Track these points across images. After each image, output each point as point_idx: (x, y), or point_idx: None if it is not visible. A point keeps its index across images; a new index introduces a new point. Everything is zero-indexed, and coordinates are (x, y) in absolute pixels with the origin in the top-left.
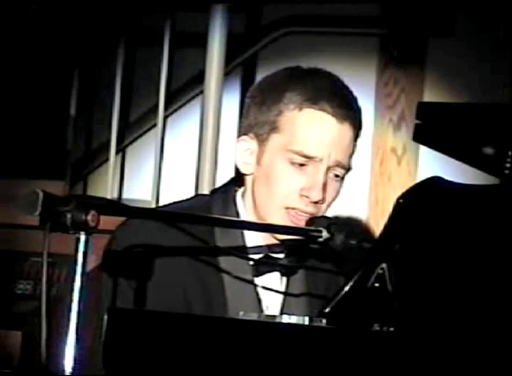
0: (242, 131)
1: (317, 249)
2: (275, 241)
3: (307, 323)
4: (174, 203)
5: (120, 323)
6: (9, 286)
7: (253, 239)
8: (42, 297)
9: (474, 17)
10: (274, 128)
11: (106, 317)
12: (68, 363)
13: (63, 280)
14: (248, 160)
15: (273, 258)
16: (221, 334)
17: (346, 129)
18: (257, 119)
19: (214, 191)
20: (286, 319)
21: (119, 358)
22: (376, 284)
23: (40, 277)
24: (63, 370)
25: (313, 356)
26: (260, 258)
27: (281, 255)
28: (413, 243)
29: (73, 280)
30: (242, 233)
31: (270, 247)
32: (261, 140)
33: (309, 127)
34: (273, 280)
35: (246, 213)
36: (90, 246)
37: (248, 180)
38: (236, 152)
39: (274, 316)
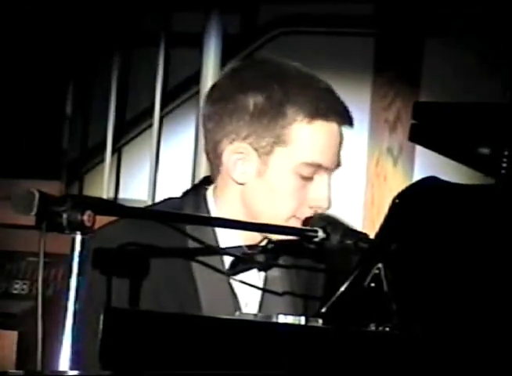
0: (222, 136)
1: (294, 246)
2: (254, 240)
3: (303, 323)
4: (146, 207)
5: (116, 323)
6: (5, 286)
7: (226, 238)
8: (38, 297)
9: (470, 17)
10: (279, 141)
11: (102, 317)
12: (64, 363)
13: (59, 280)
14: (242, 169)
15: (250, 254)
16: (218, 334)
17: (343, 131)
18: (252, 129)
19: (185, 193)
20: (282, 319)
21: (116, 358)
22: (373, 284)
23: (36, 277)
24: (59, 370)
25: (309, 356)
26: (237, 256)
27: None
28: (409, 243)
29: (69, 280)
30: (214, 233)
31: (251, 248)
32: (264, 152)
33: (320, 138)
34: (251, 276)
35: (219, 213)
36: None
37: (235, 187)
38: (228, 162)
39: (270, 316)
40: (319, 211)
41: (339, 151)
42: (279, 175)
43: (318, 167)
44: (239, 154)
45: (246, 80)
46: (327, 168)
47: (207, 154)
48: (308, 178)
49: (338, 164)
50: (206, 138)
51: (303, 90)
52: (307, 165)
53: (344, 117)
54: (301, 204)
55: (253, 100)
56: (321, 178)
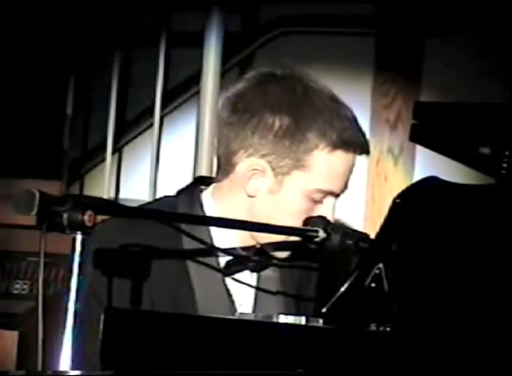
0: (239, 148)
1: (287, 248)
2: (249, 242)
3: (303, 323)
4: (141, 206)
5: (116, 323)
6: (5, 286)
7: (221, 239)
8: (39, 297)
9: (471, 17)
10: (298, 165)
11: (102, 317)
12: (64, 363)
13: (59, 280)
14: (256, 184)
15: (243, 255)
16: (218, 334)
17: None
18: (274, 149)
19: (179, 192)
20: (282, 319)
21: (116, 357)
22: (373, 284)
23: (36, 277)
24: (59, 370)
25: (310, 356)
26: (232, 255)
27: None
28: (410, 243)
29: (69, 280)
30: (209, 234)
31: (245, 250)
32: (280, 173)
33: (337, 168)
34: (244, 276)
35: (218, 214)
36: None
37: (243, 195)
38: (243, 175)
39: (270, 316)
40: None
41: (349, 177)
42: (291, 196)
43: (329, 193)
44: (255, 170)
45: (274, 97)
46: (337, 194)
47: (218, 157)
48: (316, 202)
49: (345, 188)
50: (220, 141)
51: (329, 118)
52: (319, 191)
53: (363, 148)
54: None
55: (279, 121)
56: (328, 201)
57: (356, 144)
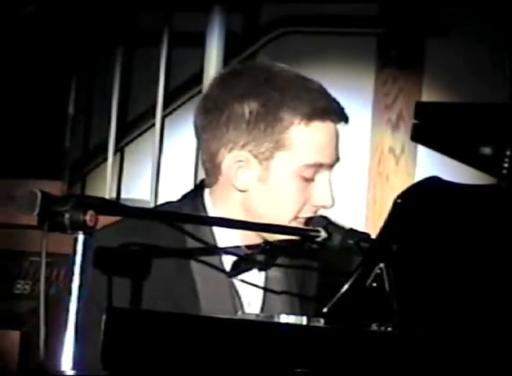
0: (219, 146)
1: (293, 246)
2: (253, 240)
3: (305, 323)
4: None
5: (118, 323)
6: (7, 286)
7: (225, 239)
8: (41, 296)
9: (471, 17)
10: (279, 146)
11: (104, 317)
12: (66, 363)
13: (61, 279)
14: (244, 177)
15: (249, 254)
16: (219, 334)
17: (339, 127)
18: (251, 136)
19: (183, 196)
20: (284, 319)
21: (118, 358)
22: (374, 284)
23: (38, 277)
24: (62, 370)
25: (311, 356)
26: (237, 255)
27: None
28: (411, 243)
29: (71, 280)
30: (212, 234)
31: (250, 248)
32: (264, 158)
33: (318, 139)
34: (252, 276)
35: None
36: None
37: (235, 194)
38: (229, 171)
39: (272, 316)
40: (323, 210)
41: (337, 147)
42: (282, 180)
43: (319, 166)
44: (239, 162)
45: (239, 87)
46: (328, 165)
47: (204, 164)
48: (309, 180)
49: (338, 159)
50: (202, 148)
51: (297, 93)
52: (308, 167)
53: (340, 116)
54: (305, 204)
55: (248, 108)
56: (322, 176)
57: (331, 112)
